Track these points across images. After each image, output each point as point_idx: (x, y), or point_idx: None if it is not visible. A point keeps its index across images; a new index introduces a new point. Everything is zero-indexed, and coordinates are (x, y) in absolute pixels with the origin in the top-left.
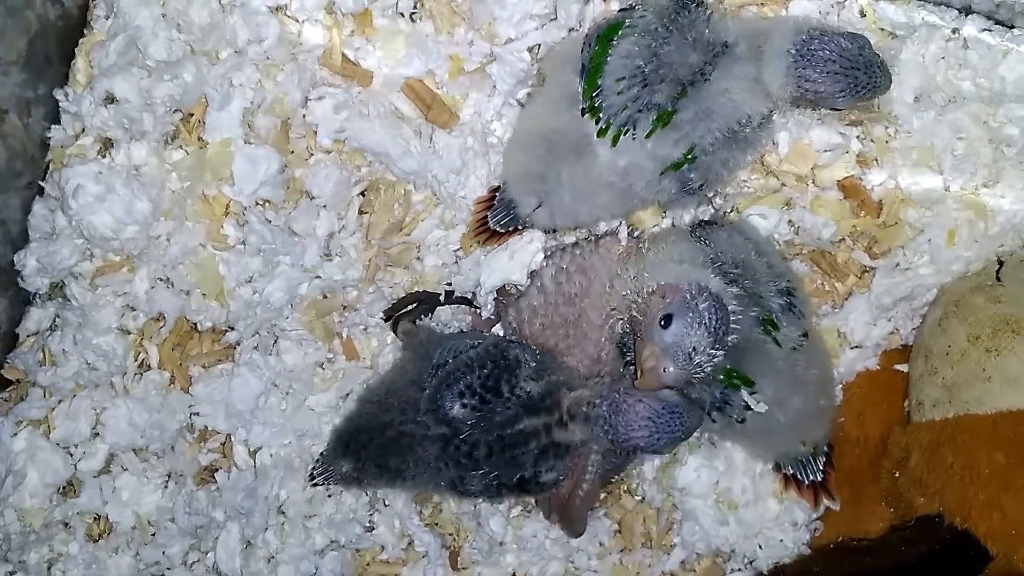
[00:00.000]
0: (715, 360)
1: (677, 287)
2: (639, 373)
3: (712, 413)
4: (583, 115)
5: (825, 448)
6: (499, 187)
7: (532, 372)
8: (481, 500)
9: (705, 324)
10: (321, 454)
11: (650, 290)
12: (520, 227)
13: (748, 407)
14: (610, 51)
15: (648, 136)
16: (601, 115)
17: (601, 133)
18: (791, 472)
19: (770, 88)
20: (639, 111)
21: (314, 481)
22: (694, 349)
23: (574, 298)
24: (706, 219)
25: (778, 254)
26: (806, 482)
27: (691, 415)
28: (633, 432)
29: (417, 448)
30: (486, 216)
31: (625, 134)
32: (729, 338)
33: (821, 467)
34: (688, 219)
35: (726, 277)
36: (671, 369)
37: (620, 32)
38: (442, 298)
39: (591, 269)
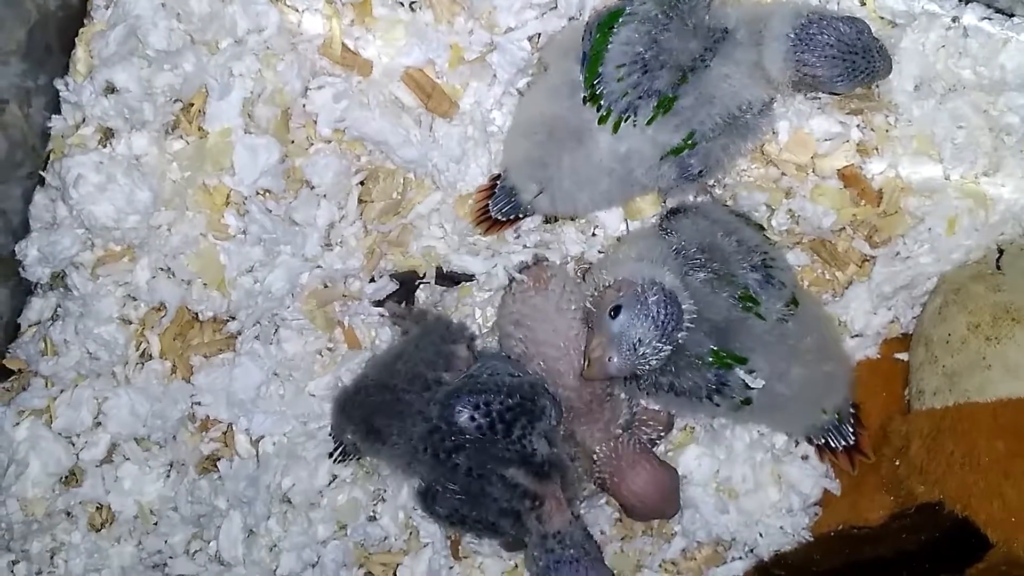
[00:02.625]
0: (661, 354)
1: (631, 281)
2: (586, 363)
3: (713, 397)
4: (584, 103)
5: (851, 410)
6: (500, 175)
7: (549, 430)
8: (437, 521)
9: (652, 317)
10: (332, 429)
11: (606, 284)
12: (521, 215)
13: (747, 385)
14: (611, 38)
15: (649, 123)
16: (602, 102)
17: (602, 120)
18: (822, 442)
19: (770, 72)
20: (639, 97)
21: (334, 460)
22: (639, 340)
23: (537, 322)
24: (672, 207)
25: (753, 228)
26: (839, 448)
27: None
28: None
29: (407, 419)
30: (487, 205)
31: (626, 121)
32: (679, 335)
33: (851, 430)
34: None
35: (691, 263)
36: (615, 360)
37: (620, 19)
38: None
39: (531, 301)
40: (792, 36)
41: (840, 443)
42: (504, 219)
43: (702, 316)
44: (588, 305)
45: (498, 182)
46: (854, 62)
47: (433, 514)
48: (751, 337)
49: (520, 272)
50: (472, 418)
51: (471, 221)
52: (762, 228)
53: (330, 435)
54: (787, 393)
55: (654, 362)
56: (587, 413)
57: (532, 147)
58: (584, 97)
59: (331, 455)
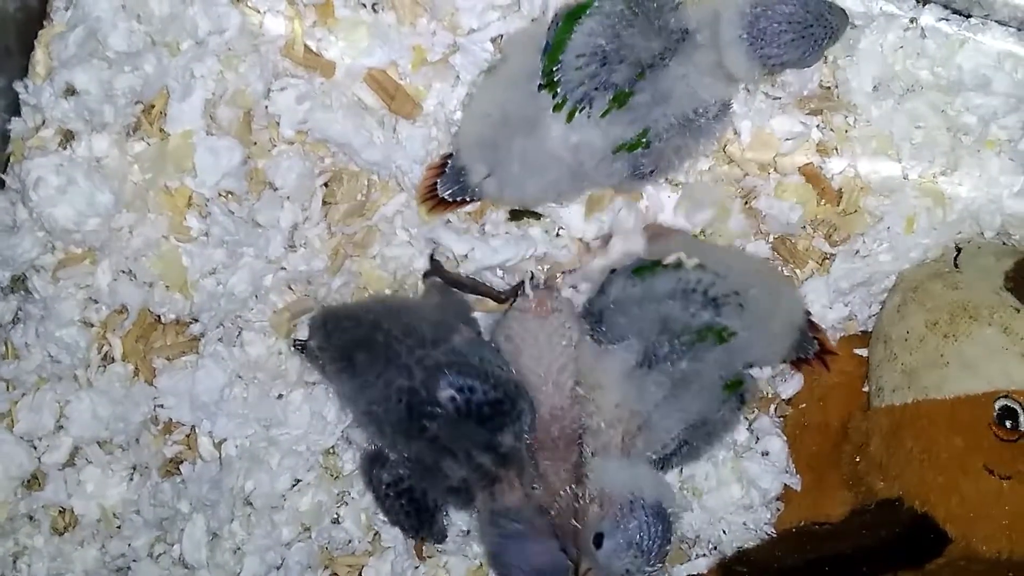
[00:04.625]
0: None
1: (612, 499)
2: None
3: (740, 409)
4: (540, 90)
5: (806, 319)
6: (451, 154)
7: (519, 432)
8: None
9: (635, 544)
10: (311, 318)
11: (591, 496)
12: (468, 198)
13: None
14: (575, 28)
15: (603, 115)
16: (558, 90)
17: (557, 108)
18: (794, 358)
19: (738, 76)
20: (596, 89)
21: (292, 347)
22: (627, 571)
23: (527, 344)
24: (587, 312)
25: (670, 270)
26: (812, 357)
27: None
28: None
29: (392, 367)
30: (436, 183)
31: (580, 111)
32: (667, 549)
33: (813, 338)
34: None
35: (661, 361)
36: None
37: (588, 12)
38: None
39: (527, 323)
40: (746, 37)
41: (811, 352)
42: (451, 200)
43: (706, 378)
44: (572, 515)
45: (449, 161)
46: (813, 33)
47: (373, 480)
48: (745, 346)
49: (529, 289)
50: (453, 398)
51: (417, 198)
52: (679, 265)
53: (295, 343)
54: (777, 329)
55: None
56: (553, 449)
57: (485, 129)
58: (540, 84)
59: (294, 343)
